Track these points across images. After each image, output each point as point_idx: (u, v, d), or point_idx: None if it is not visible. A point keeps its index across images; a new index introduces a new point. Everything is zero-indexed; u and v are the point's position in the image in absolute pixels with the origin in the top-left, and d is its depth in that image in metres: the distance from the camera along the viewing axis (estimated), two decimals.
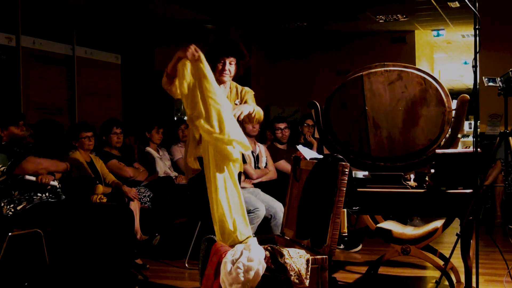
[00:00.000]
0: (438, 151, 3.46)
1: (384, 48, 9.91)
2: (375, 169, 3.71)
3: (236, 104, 3.56)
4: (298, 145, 5.07)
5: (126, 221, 4.25)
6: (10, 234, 3.85)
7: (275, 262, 2.75)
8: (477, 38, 3.26)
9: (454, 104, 3.66)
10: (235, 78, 3.68)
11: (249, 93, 3.70)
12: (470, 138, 13.39)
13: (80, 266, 4.09)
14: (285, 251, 2.77)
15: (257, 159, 5.31)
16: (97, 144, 5.19)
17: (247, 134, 5.26)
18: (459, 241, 3.29)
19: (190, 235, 4.80)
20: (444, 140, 3.72)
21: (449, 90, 3.68)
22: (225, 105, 3.15)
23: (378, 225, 3.98)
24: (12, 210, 3.99)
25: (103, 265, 4.10)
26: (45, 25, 6.13)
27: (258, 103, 3.73)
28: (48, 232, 3.95)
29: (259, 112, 3.60)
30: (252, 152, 5.28)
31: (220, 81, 3.51)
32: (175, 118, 8.00)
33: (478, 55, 3.27)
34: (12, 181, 4.00)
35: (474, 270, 3.48)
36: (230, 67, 3.54)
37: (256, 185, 5.18)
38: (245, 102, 3.62)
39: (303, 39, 10.23)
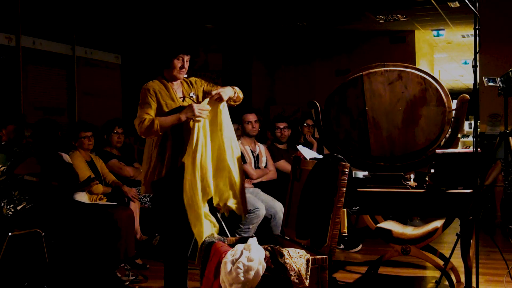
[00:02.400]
0: (438, 151, 3.45)
1: (384, 48, 9.90)
2: (375, 169, 3.71)
3: (191, 97, 3.55)
4: (298, 145, 5.08)
5: (125, 221, 4.26)
6: (10, 234, 3.85)
7: (275, 262, 2.75)
8: (477, 38, 3.26)
9: (454, 104, 3.66)
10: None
11: (201, 80, 3.69)
12: (470, 138, 13.39)
13: (80, 266, 4.09)
14: (285, 251, 2.77)
15: (257, 159, 5.31)
16: (97, 143, 5.19)
17: (247, 134, 5.27)
18: (459, 241, 3.29)
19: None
20: (444, 140, 3.72)
21: (449, 90, 3.67)
22: None
23: (378, 225, 3.98)
24: (12, 210, 3.99)
25: (103, 265, 4.11)
26: (45, 25, 6.13)
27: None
28: (48, 232, 3.95)
29: (239, 92, 3.58)
30: (252, 152, 5.28)
31: (175, 78, 3.54)
32: None
33: (478, 55, 3.27)
34: (12, 181, 4.00)
35: (474, 270, 3.48)
36: (186, 64, 3.54)
37: (256, 185, 5.17)
38: (205, 91, 3.61)
39: (303, 39, 10.23)
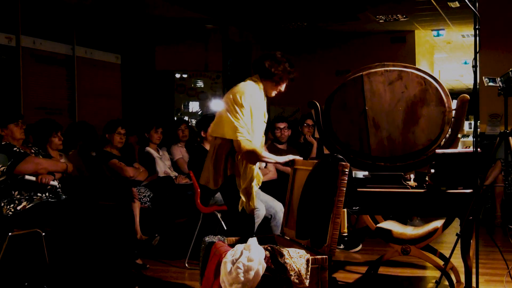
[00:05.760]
0: (438, 151, 3.45)
1: (384, 48, 9.90)
2: (375, 169, 3.71)
3: None
4: (298, 145, 5.08)
5: (126, 221, 4.26)
6: (10, 234, 3.85)
7: (275, 262, 2.75)
8: (477, 38, 3.26)
9: (454, 104, 3.66)
10: None
11: None
12: (470, 138, 13.40)
13: (80, 266, 4.09)
14: (285, 251, 2.77)
15: None
16: (97, 143, 5.19)
17: None
18: (459, 241, 3.29)
19: (190, 235, 4.80)
20: (444, 140, 3.72)
21: (449, 90, 3.67)
22: None
23: (378, 225, 3.98)
24: (12, 210, 3.99)
25: (103, 265, 4.10)
26: (45, 25, 6.13)
27: None
28: (48, 232, 3.95)
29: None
30: None
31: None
32: (175, 118, 8.01)
33: (478, 55, 3.27)
34: (12, 181, 4.00)
35: (474, 270, 3.48)
36: None
37: None
38: None
39: (303, 39, 10.23)
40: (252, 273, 2.67)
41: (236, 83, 3.79)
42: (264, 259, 2.74)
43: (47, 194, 4.16)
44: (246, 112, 3.57)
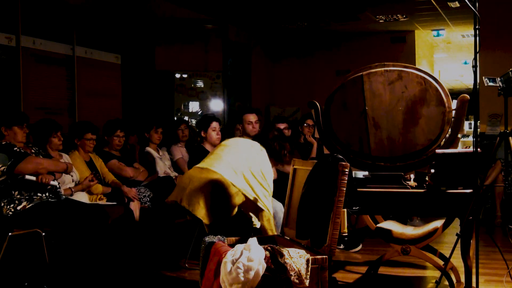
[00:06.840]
0: (438, 151, 3.46)
1: (384, 48, 9.90)
2: (375, 169, 3.71)
3: None
4: (298, 145, 5.07)
5: (126, 221, 4.26)
6: (10, 234, 3.85)
7: (275, 262, 2.75)
8: (477, 38, 3.26)
9: (454, 104, 3.66)
10: None
11: None
12: (470, 138, 13.40)
13: (80, 266, 4.09)
14: (285, 251, 2.77)
15: None
16: (97, 143, 5.19)
17: (247, 134, 5.26)
18: (459, 241, 3.29)
19: (190, 235, 4.80)
20: (444, 140, 3.72)
21: (449, 90, 3.67)
22: None
23: (378, 225, 3.98)
24: (12, 210, 3.99)
25: (103, 265, 4.11)
26: (45, 25, 6.12)
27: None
28: (48, 232, 3.95)
29: None
30: None
31: None
32: (175, 118, 8.01)
33: (478, 55, 3.27)
34: (12, 181, 3.99)
35: (474, 270, 3.48)
36: None
37: None
38: None
39: (303, 39, 10.22)
40: (252, 273, 2.67)
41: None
42: (264, 259, 2.74)
43: (47, 194, 4.16)
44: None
